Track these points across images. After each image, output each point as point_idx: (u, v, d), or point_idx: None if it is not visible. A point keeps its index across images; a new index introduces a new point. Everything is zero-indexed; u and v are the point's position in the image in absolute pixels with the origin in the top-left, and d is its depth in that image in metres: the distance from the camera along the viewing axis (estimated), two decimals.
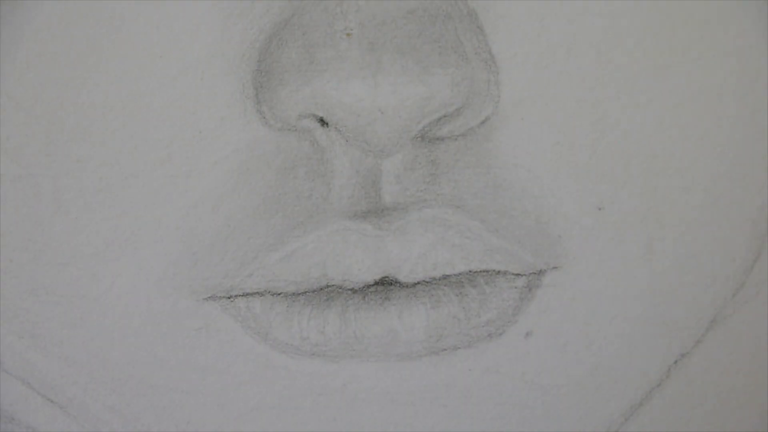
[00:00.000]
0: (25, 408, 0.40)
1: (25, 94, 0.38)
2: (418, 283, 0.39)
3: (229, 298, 0.39)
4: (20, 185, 0.39)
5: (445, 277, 0.39)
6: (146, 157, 0.38)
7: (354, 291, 0.39)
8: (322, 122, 0.38)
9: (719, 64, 0.39)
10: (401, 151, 0.38)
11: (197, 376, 0.39)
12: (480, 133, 0.38)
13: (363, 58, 0.37)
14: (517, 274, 0.39)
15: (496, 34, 0.38)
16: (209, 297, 0.39)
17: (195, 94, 0.38)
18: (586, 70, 0.39)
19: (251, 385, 0.39)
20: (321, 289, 0.39)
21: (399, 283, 0.39)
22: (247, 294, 0.39)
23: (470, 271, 0.39)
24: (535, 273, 0.39)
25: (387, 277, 0.39)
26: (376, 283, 0.39)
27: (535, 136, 0.39)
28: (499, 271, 0.39)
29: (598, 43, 0.39)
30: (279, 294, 0.39)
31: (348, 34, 0.37)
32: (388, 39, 0.37)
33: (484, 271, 0.39)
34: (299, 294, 0.39)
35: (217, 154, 0.38)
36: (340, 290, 0.39)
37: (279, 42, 0.38)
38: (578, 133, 0.39)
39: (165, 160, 0.38)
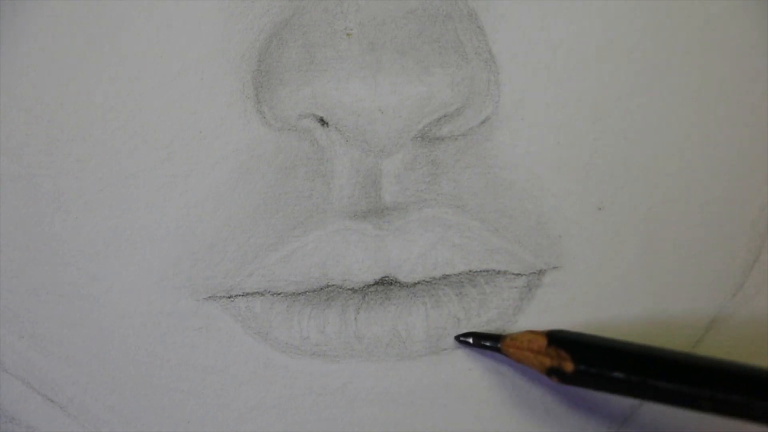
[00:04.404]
0: (25, 408, 0.40)
1: (25, 94, 0.38)
2: (418, 282, 0.39)
3: (229, 297, 0.39)
4: (20, 185, 0.39)
5: (445, 276, 0.39)
6: (146, 157, 0.38)
7: (354, 291, 0.39)
8: (322, 122, 0.38)
9: (719, 64, 0.39)
10: (401, 150, 0.38)
11: (197, 376, 0.39)
12: (480, 133, 0.38)
13: (363, 58, 0.37)
14: (517, 274, 0.39)
15: (496, 34, 0.38)
16: (209, 297, 0.39)
17: (195, 94, 0.38)
18: (586, 70, 0.39)
19: (251, 385, 0.39)
20: (321, 288, 0.39)
21: (399, 282, 0.39)
22: (248, 294, 0.39)
23: (470, 271, 0.39)
24: (535, 273, 0.39)
25: (387, 276, 0.39)
26: (376, 283, 0.39)
27: (535, 136, 0.39)
28: (499, 271, 0.39)
29: (598, 43, 0.39)
30: (279, 294, 0.39)
31: (348, 34, 0.37)
32: (388, 39, 0.37)
33: (484, 271, 0.39)
34: (299, 294, 0.39)
35: (217, 154, 0.38)
36: (340, 290, 0.39)
37: (279, 42, 0.38)
38: (578, 133, 0.39)
39: (165, 160, 0.38)
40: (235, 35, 0.38)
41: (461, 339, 0.39)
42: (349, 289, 0.39)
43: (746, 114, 0.40)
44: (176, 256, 0.39)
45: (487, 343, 0.38)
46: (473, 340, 0.39)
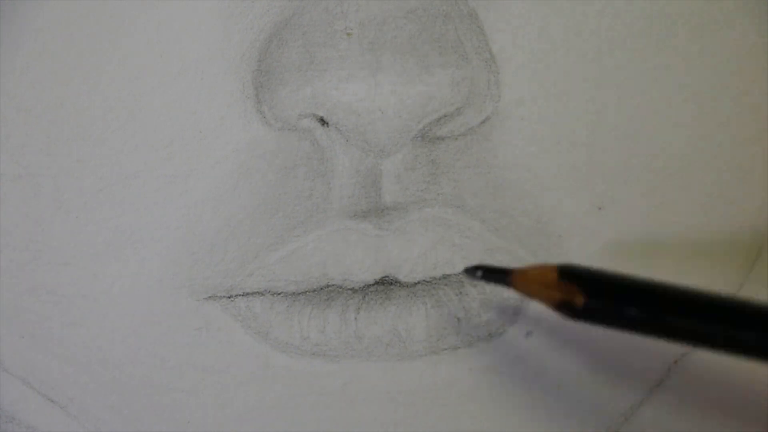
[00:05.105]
0: (25, 408, 0.40)
1: (25, 94, 0.38)
2: (419, 282, 0.39)
3: (229, 297, 0.39)
4: (20, 185, 0.39)
5: (446, 276, 0.39)
6: (146, 157, 0.38)
7: (354, 291, 0.39)
8: (323, 122, 0.38)
9: (719, 64, 0.39)
10: (401, 150, 0.38)
11: (197, 376, 0.39)
12: (480, 132, 0.38)
13: (363, 58, 0.37)
14: None
15: (496, 34, 0.38)
16: (209, 297, 0.39)
17: (195, 94, 0.38)
18: (586, 70, 0.39)
19: (251, 385, 0.39)
20: (321, 288, 0.39)
21: (399, 282, 0.39)
22: (248, 294, 0.39)
23: None
24: None
25: (387, 276, 0.39)
26: (377, 283, 0.39)
27: (535, 136, 0.39)
28: None
29: (598, 43, 0.39)
30: (279, 294, 0.39)
31: (348, 34, 0.37)
32: (388, 39, 0.37)
33: None
34: (299, 294, 0.39)
35: (217, 154, 0.38)
36: (340, 290, 0.39)
37: (279, 42, 0.38)
38: (578, 132, 0.39)
39: (165, 160, 0.38)
40: (235, 35, 0.38)
41: (469, 271, 0.37)
42: (349, 289, 0.39)
43: (746, 114, 0.40)
44: (176, 256, 0.39)
45: (496, 277, 0.36)
46: (482, 273, 0.37)
